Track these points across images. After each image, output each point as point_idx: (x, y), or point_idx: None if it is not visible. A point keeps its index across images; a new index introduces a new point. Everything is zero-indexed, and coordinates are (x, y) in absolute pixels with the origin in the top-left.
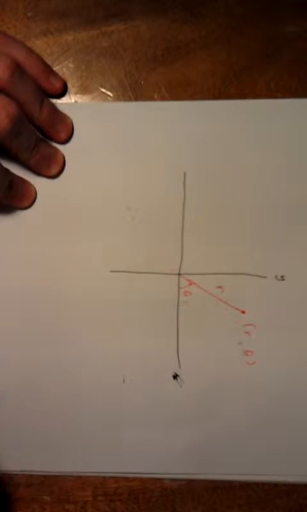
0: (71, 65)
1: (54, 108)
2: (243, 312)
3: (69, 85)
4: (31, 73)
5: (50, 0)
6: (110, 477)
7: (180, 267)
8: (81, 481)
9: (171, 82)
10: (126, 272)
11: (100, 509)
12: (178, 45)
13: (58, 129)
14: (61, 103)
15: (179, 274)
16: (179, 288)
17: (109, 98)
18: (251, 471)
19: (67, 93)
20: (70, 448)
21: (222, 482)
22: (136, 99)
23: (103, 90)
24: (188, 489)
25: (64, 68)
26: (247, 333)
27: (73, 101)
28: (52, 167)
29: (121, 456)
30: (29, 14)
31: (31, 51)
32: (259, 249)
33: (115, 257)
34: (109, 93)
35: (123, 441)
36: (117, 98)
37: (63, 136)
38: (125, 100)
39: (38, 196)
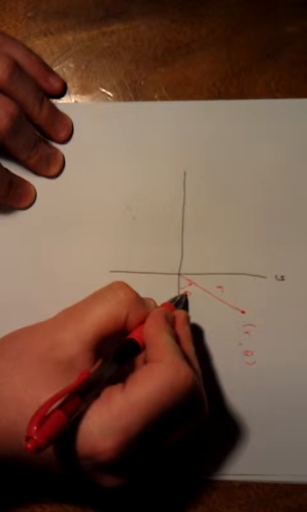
0: (71, 65)
1: (53, 108)
2: (243, 312)
3: (69, 85)
4: (30, 73)
5: (50, 0)
6: None
7: (180, 267)
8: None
9: (171, 82)
10: (126, 272)
11: (100, 508)
12: (178, 45)
13: (58, 129)
14: (61, 103)
15: (179, 274)
16: (179, 288)
17: (109, 98)
18: (251, 471)
19: (67, 93)
20: None
21: (222, 482)
22: (136, 99)
23: (103, 90)
24: (188, 489)
25: (64, 68)
26: (247, 333)
27: (73, 101)
28: (51, 167)
29: None
30: (29, 14)
31: (30, 51)
32: (259, 249)
33: (115, 257)
34: (109, 93)
35: None
36: (117, 98)
37: (63, 135)
38: (125, 100)
39: (38, 196)
